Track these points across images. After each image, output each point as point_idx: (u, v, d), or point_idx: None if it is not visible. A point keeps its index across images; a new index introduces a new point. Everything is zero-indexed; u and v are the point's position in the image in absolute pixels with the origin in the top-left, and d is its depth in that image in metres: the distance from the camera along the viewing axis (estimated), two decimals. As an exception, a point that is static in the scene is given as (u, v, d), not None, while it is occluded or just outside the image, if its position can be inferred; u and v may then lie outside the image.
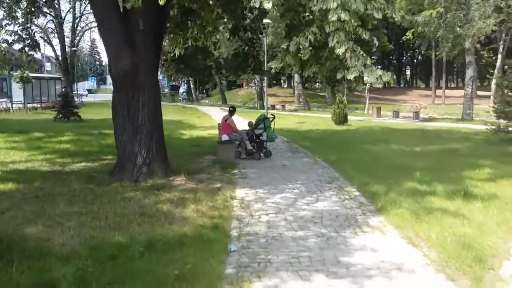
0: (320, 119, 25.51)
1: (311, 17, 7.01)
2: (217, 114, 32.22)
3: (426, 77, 70.90)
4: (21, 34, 9.71)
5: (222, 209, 6.06)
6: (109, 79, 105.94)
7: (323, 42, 7.19)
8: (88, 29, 46.20)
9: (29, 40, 9.70)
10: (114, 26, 7.66)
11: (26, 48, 9.71)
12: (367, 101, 33.00)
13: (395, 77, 24.59)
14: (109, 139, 14.42)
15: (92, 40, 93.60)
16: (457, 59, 33.93)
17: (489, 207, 5.99)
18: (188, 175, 8.42)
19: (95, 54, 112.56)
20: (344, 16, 6.12)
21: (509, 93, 13.44)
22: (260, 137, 10.83)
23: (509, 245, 4.67)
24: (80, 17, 42.92)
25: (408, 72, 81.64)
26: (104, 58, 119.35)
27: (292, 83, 57.67)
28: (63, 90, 27.14)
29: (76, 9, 41.85)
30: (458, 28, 22.10)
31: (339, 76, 7.01)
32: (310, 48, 7.22)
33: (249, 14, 8.28)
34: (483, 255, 4.30)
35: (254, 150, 10.72)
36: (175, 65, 9.30)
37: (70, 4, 38.53)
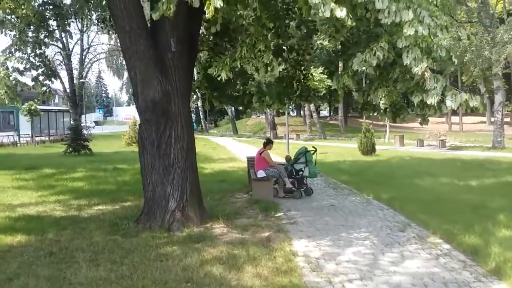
0: (342, 149, 24.26)
1: (380, 30, 5.84)
2: (232, 145, 31.19)
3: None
4: (34, 61, 8.65)
5: (289, 274, 4.72)
6: (115, 111, 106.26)
7: (393, 60, 6.01)
8: (96, 61, 45.79)
9: (43, 68, 8.60)
10: (142, 48, 6.53)
11: (41, 78, 8.61)
12: (387, 129, 31.76)
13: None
14: (126, 175, 13.25)
15: (99, 71, 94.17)
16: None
17: None
18: (227, 220, 7.15)
19: (102, 86, 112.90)
20: (421, 29, 4.94)
21: None
22: (300, 173, 9.54)
23: None
24: (88, 48, 42.50)
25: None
26: (111, 90, 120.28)
27: (302, 112, 56.84)
28: (73, 122, 26.14)
29: (84, 41, 41.57)
30: (486, 52, 21.02)
31: (416, 100, 5.78)
32: (375, 68, 6.03)
33: (297, 32, 7.16)
34: None
35: (294, 188, 9.42)
36: (209, 93, 8.14)
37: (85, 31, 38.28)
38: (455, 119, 49.71)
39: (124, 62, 47.83)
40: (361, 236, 6.26)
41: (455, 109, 5.85)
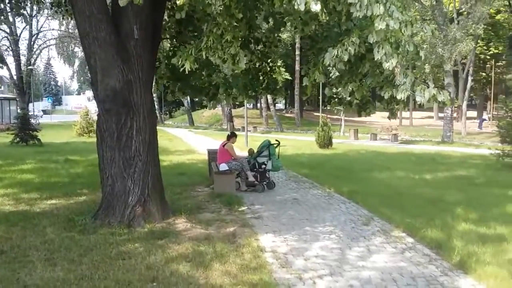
0: (299, 142, 24.44)
1: (351, 25, 5.79)
2: (188, 136, 30.73)
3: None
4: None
5: (259, 271, 4.60)
6: (65, 100, 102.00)
7: (362, 55, 6.00)
8: (45, 47, 43.59)
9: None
10: (103, 34, 6.16)
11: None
12: (343, 123, 32.33)
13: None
14: (78, 167, 12.69)
15: (48, 58, 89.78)
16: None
17: None
18: (190, 215, 6.96)
19: (51, 74, 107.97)
20: (393, 24, 4.93)
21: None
22: (263, 166, 9.44)
23: None
24: (38, 34, 40.41)
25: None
26: (60, 78, 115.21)
27: (259, 104, 56.83)
28: (21, 111, 24.78)
29: (33, 26, 39.48)
30: (440, 49, 21.77)
31: (386, 95, 5.80)
32: (345, 63, 5.99)
33: (263, 24, 6.99)
34: None
35: (256, 182, 9.31)
36: (172, 83, 7.84)
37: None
38: (405, 113, 51.48)
39: (75, 50, 45.72)
40: (327, 230, 6.25)
41: (424, 104, 5.93)
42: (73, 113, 66.92)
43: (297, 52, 40.60)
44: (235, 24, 5.78)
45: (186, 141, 26.02)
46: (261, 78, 8.08)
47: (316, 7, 4.60)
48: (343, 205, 7.90)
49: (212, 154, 11.07)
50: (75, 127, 28.35)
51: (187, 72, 5.62)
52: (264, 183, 9.46)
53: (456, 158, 16.49)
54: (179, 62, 5.46)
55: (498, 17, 44.94)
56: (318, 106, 38.96)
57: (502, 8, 43.55)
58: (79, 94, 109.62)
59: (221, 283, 4.27)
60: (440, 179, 11.06)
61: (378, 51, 5.18)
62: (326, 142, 19.77)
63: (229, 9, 5.46)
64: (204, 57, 5.48)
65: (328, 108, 43.29)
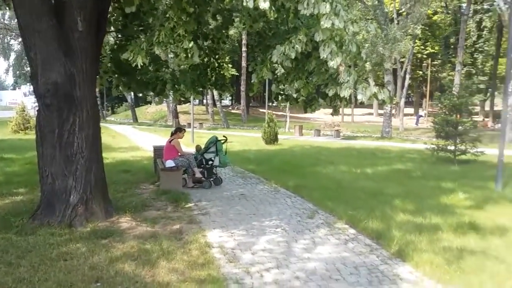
0: (246, 138, 24.57)
1: (298, 23, 5.91)
2: (132, 133, 29.98)
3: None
4: None
5: (206, 266, 4.61)
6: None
7: (308, 53, 6.15)
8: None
9: None
10: (45, 26, 5.87)
11: None
12: (288, 120, 32.85)
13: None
14: (14, 166, 12.04)
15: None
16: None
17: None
18: (135, 213, 6.82)
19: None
20: (338, 23, 5.10)
21: (446, 112, 13.56)
22: (210, 162, 9.42)
23: None
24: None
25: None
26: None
27: (205, 100, 56.47)
28: None
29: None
30: (380, 48, 22.67)
31: (331, 93, 5.98)
32: (292, 60, 6.11)
33: (212, 21, 6.94)
34: None
35: (203, 178, 9.28)
36: (116, 77, 7.59)
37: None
38: (347, 110, 53.19)
39: (11, 42, 43.03)
40: (273, 224, 6.36)
41: (365, 101, 6.16)
42: (8, 109, 63.13)
43: (244, 49, 40.73)
44: (186, 18, 5.71)
45: (130, 138, 25.37)
46: (209, 74, 8.03)
47: (264, 4, 4.66)
48: (289, 199, 8.06)
49: (157, 150, 10.90)
50: (10, 123, 26.81)
51: (134, 67, 5.50)
52: (211, 179, 9.44)
53: (395, 152, 17.28)
54: (131, 57, 5.34)
55: (435, 17, 47.58)
56: (264, 103, 39.38)
57: (439, 9, 46.14)
58: (14, 89, 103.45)
59: (168, 281, 4.24)
60: (380, 172, 11.56)
61: (324, 50, 5.32)
62: (272, 138, 20.03)
63: (179, 2, 5.38)
64: (156, 51, 5.38)
65: (275, 104, 43.68)
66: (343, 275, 4.43)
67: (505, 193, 8.63)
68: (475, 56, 47.25)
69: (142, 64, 5.12)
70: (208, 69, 7.96)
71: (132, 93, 43.86)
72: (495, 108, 43.43)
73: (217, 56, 8.09)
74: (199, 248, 5.21)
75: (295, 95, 6.67)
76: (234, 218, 6.75)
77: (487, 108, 46.78)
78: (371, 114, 57.20)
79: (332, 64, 5.33)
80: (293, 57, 5.57)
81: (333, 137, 27.16)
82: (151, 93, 8.11)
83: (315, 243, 5.46)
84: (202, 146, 9.83)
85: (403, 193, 8.45)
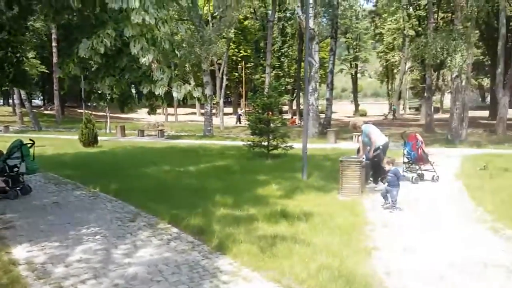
0: (61, 141, 22.53)
1: (106, 16, 5.60)
2: None
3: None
4: None
5: (11, 287, 4.06)
6: None
7: (120, 49, 5.91)
8: None
9: None
10: None
11: None
12: (108, 120, 31.20)
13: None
14: None
15: None
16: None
17: (317, 227, 6.00)
18: None
19: None
20: (148, 19, 5.06)
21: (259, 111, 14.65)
22: (15, 169, 8.31)
23: (374, 265, 4.65)
24: None
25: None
26: None
27: (11, 100, 49.89)
28: None
29: None
30: (197, 49, 23.25)
31: (145, 90, 5.84)
32: (101, 56, 5.80)
33: (7, 10, 6.04)
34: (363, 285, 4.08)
35: (8, 188, 8.14)
36: None
37: None
38: (171, 110, 53.43)
39: None
40: (91, 232, 5.95)
41: (181, 99, 6.20)
42: None
43: (54, 44, 37.22)
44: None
45: None
46: (7, 69, 7.04)
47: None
48: (109, 204, 7.65)
49: None
50: None
51: None
52: (18, 188, 8.34)
53: (216, 150, 17.96)
54: None
55: (246, 22, 51.08)
56: (81, 102, 36.70)
57: (249, 15, 49.64)
58: None
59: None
60: (202, 169, 11.86)
61: (134, 46, 5.18)
62: (91, 140, 18.77)
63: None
64: None
65: (95, 104, 41.26)
66: (165, 275, 4.39)
67: (309, 182, 9.72)
68: (281, 60, 52.43)
69: None
70: (6, 64, 6.98)
71: None
72: (301, 107, 48.89)
73: (15, 50, 7.14)
74: (2, 267, 4.57)
75: (108, 93, 6.34)
76: (45, 230, 6.10)
77: (294, 107, 52.31)
78: (194, 113, 58.61)
79: (144, 60, 5.24)
80: (102, 51, 5.29)
81: (157, 137, 26.86)
82: None
83: (136, 247, 5.29)
84: (5, 152, 8.61)
85: (223, 188, 8.81)
